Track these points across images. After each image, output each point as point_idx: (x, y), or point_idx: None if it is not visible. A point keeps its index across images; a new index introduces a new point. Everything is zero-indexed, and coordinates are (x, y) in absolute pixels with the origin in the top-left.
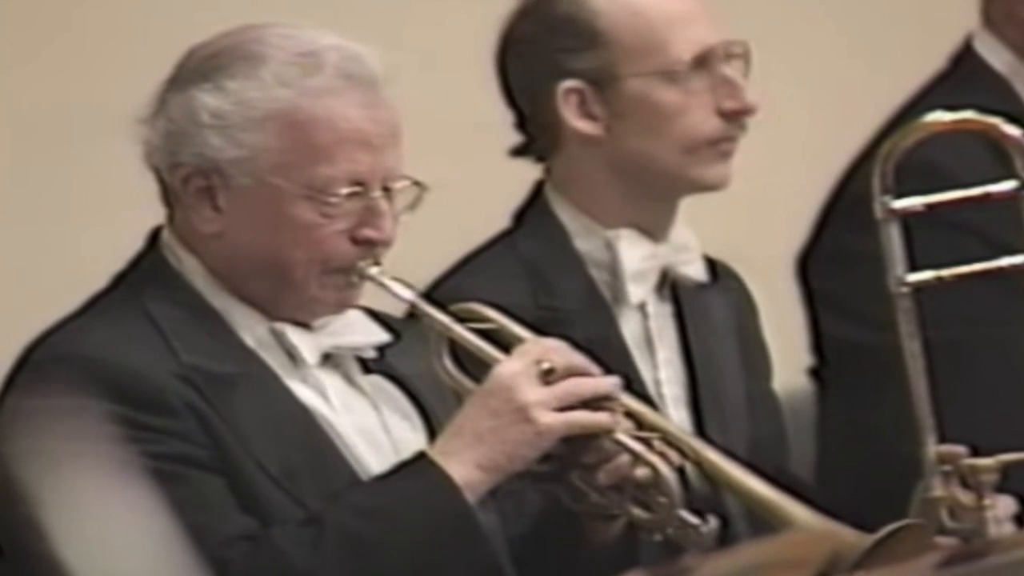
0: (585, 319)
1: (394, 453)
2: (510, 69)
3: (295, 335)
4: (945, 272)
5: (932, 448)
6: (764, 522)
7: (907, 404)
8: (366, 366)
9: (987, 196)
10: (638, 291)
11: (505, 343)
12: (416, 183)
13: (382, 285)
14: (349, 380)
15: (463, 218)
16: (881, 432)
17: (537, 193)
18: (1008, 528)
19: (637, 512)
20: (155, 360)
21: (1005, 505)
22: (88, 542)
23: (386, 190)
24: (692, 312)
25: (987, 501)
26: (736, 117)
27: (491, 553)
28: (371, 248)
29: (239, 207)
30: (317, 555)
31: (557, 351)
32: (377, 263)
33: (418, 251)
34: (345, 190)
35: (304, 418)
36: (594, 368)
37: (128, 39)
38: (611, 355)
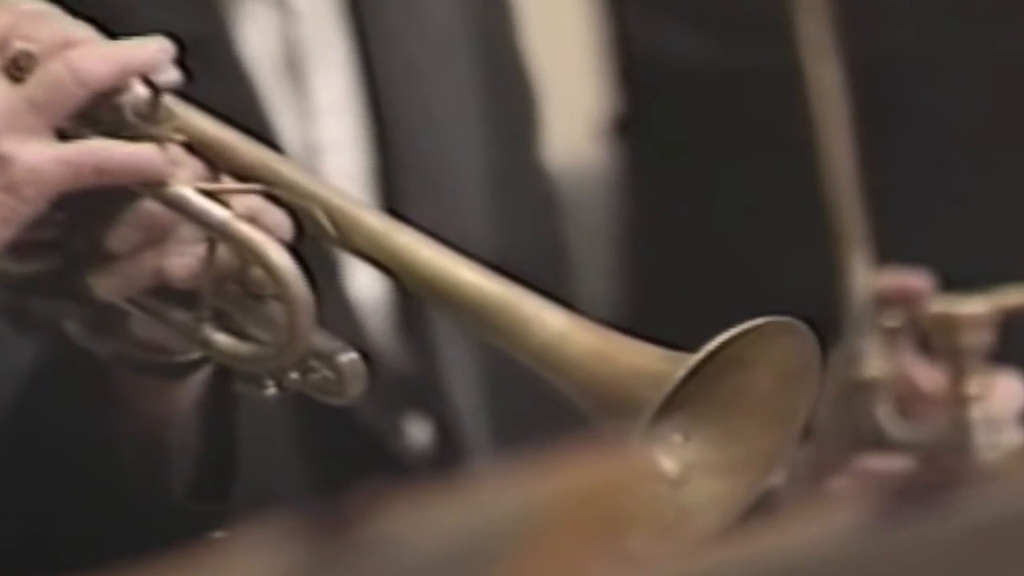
0: (164, 21)
1: None
2: None
3: None
4: None
5: (863, 275)
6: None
7: (797, 176)
8: None
9: None
10: None
11: None
12: None
13: None
14: None
15: None
16: (738, 233)
17: None
18: (1011, 436)
19: (223, 342)
20: None
21: (1006, 392)
22: None
23: None
24: (380, 7)
25: (972, 386)
26: None
27: None
28: None
29: None
30: None
31: (34, 19)
32: None
33: None
34: None
35: None
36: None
37: None
38: (221, 90)
